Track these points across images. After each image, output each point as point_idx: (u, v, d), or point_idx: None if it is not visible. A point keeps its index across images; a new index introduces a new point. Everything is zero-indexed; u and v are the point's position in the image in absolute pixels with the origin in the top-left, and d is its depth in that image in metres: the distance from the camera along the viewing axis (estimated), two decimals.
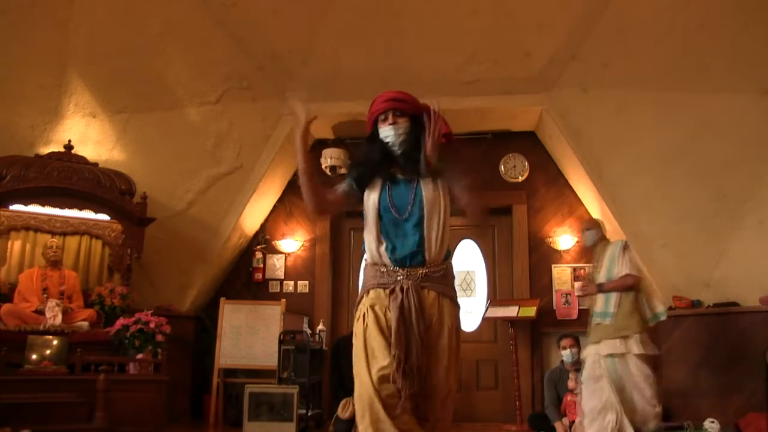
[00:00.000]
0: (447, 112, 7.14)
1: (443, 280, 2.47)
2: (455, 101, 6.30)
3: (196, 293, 6.76)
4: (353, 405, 5.03)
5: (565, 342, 5.48)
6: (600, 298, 4.72)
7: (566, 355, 5.43)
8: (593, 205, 6.60)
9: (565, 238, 6.72)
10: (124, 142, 6.23)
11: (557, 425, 5.23)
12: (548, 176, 6.95)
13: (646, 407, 4.49)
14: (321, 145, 7.02)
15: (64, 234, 5.98)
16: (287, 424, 5.37)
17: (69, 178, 5.65)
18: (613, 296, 4.65)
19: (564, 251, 6.75)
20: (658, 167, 5.97)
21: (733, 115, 5.65)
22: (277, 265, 7.12)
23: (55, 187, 5.62)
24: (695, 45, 5.40)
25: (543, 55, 5.90)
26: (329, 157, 6.78)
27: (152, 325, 5.26)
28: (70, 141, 5.93)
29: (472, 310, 6.97)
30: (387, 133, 2.53)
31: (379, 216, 2.48)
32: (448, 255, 2.55)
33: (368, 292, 2.47)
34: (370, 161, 2.56)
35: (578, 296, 4.80)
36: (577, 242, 6.73)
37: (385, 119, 2.55)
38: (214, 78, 6.09)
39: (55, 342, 4.96)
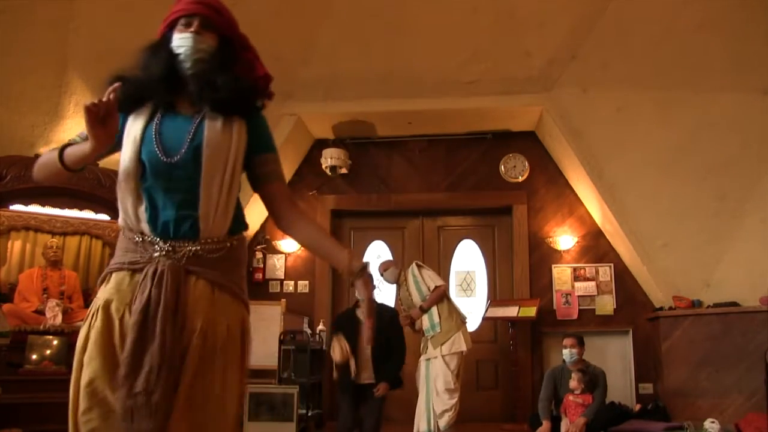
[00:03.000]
0: (447, 112, 7.17)
1: (222, 264, 1.72)
2: (455, 101, 6.31)
3: None
4: (340, 346, 5.08)
5: (566, 341, 5.47)
6: (424, 317, 5.19)
7: (565, 354, 5.42)
8: (593, 205, 6.60)
9: (565, 238, 6.72)
10: None
11: (544, 422, 5.22)
12: (548, 176, 6.95)
13: (442, 402, 4.96)
14: (321, 145, 7.03)
15: (65, 234, 5.97)
16: (287, 424, 5.37)
17: (69, 178, 5.64)
18: (433, 309, 5.13)
19: (564, 251, 6.74)
20: (659, 167, 5.98)
21: (734, 114, 5.66)
22: (277, 265, 7.11)
23: (55, 187, 5.59)
24: (695, 45, 5.40)
25: (543, 55, 5.90)
26: (329, 157, 6.79)
27: None
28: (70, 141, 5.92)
29: (473, 311, 6.97)
30: (184, 42, 1.76)
31: (140, 158, 1.70)
32: (239, 227, 1.83)
33: (110, 276, 1.72)
34: (147, 78, 1.76)
35: (407, 325, 5.34)
36: (577, 242, 6.73)
37: (188, 25, 1.78)
38: None
39: (55, 342, 4.96)
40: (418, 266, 5.36)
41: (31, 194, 5.59)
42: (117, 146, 1.76)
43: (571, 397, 5.23)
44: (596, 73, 5.87)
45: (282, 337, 6.05)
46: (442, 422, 4.94)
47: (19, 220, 5.78)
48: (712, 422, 5.05)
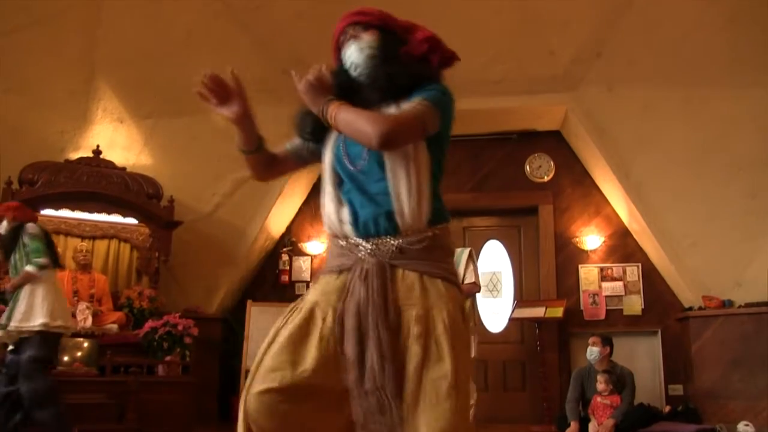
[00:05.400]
0: (472, 113, 7.11)
1: (429, 254, 1.68)
2: (480, 101, 6.27)
3: (223, 296, 6.80)
4: None
5: (591, 339, 5.41)
6: None
7: (589, 352, 5.36)
8: (620, 204, 6.53)
9: (591, 238, 6.65)
10: (151, 147, 6.30)
11: (572, 423, 5.16)
12: (574, 176, 6.89)
13: None
14: None
15: (94, 238, 6.07)
16: None
17: (98, 183, 5.74)
18: None
19: (591, 251, 6.67)
20: (686, 165, 5.90)
21: (763, 111, 5.57)
22: (303, 267, 7.14)
23: (84, 191, 5.71)
24: (723, 40, 5.33)
25: (567, 54, 5.86)
26: None
27: (180, 328, 5.32)
28: (98, 146, 6.02)
29: (499, 311, 6.93)
30: (348, 53, 1.83)
31: (335, 169, 1.79)
32: (439, 217, 1.74)
33: (319, 279, 1.79)
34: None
35: None
36: (604, 242, 6.66)
37: (345, 39, 1.87)
38: None
39: (85, 344, 5.04)
40: (470, 255, 5.13)
41: (61, 199, 5.70)
42: (312, 157, 1.96)
43: (599, 399, 5.18)
44: (622, 71, 5.81)
45: None
46: None
47: (50, 224, 5.87)
48: (746, 425, 4.95)
